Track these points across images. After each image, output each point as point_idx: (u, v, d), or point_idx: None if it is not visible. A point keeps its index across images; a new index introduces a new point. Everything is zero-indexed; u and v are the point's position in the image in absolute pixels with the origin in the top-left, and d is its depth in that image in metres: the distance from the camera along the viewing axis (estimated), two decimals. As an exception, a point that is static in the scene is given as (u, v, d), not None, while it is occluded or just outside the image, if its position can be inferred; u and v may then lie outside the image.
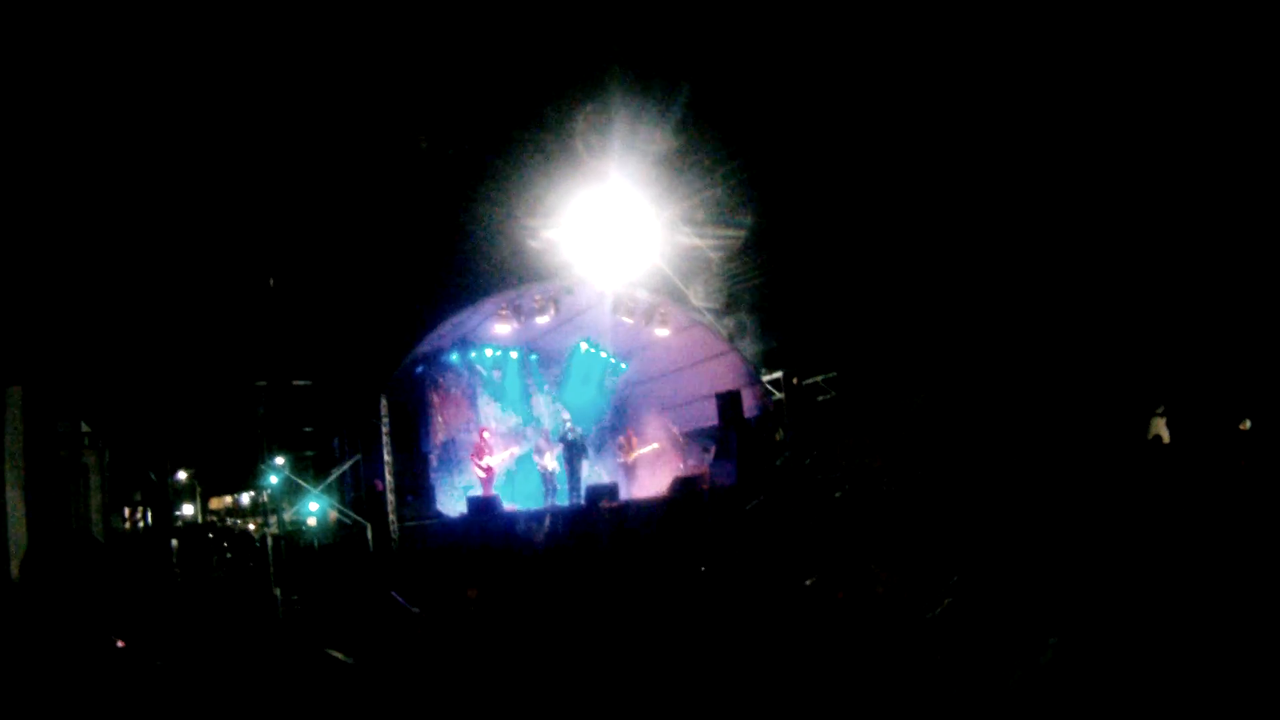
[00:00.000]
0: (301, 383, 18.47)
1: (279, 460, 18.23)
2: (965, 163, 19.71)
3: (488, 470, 21.20)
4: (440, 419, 23.60)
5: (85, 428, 17.16)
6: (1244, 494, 11.06)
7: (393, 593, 12.90)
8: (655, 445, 23.25)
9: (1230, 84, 16.32)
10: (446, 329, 21.69)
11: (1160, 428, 16.44)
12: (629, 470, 22.66)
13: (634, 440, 22.91)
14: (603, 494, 19.79)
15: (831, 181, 21.64)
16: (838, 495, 9.71)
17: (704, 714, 7.80)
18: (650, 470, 22.84)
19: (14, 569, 11.31)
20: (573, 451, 21.88)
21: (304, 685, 9.61)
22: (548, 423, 24.27)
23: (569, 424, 22.35)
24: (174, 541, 18.14)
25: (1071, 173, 18.14)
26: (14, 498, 11.53)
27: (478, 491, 20.71)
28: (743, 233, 23.03)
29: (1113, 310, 17.34)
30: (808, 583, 9.17)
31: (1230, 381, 15.83)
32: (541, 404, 25.32)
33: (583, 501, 20.12)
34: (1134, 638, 7.80)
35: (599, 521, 18.58)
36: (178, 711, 8.83)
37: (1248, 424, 15.30)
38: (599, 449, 24.54)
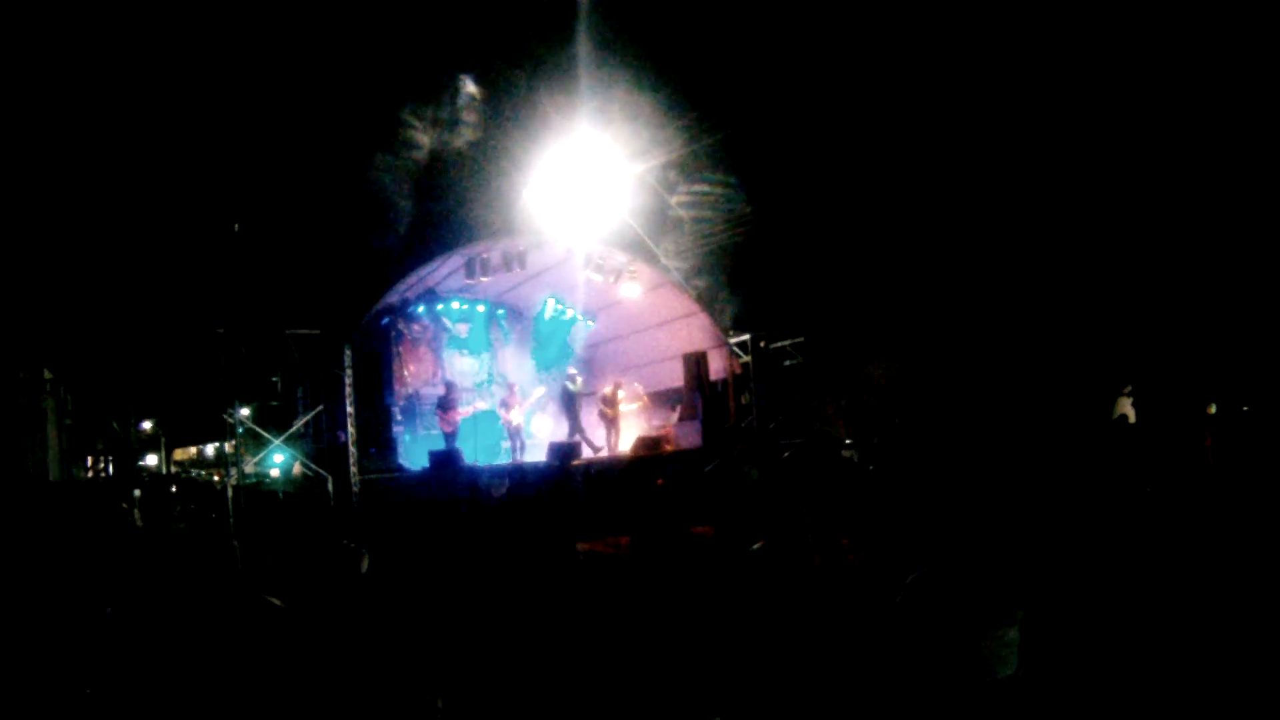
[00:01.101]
0: (266, 332, 18.33)
1: (243, 411, 18.10)
2: (940, 132, 19.69)
3: (452, 423, 21.14)
4: (405, 371, 23.53)
5: (47, 375, 16.97)
6: (1207, 475, 11.18)
7: (344, 540, 12.85)
8: (644, 398, 23.16)
9: (1189, 71, 16.38)
10: (413, 280, 21.53)
11: (1126, 407, 16.55)
12: (610, 425, 22.50)
13: (619, 393, 22.73)
14: (564, 451, 19.77)
15: (806, 144, 21.56)
16: (786, 456, 9.68)
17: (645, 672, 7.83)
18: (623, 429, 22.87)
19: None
20: (572, 403, 21.84)
21: (237, 629, 9.58)
22: (513, 378, 24.20)
23: (573, 375, 22.28)
24: (135, 491, 18.01)
25: (1047, 151, 18.17)
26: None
27: (440, 446, 20.66)
28: (715, 193, 22.96)
29: (1083, 289, 17.42)
30: (755, 547, 9.12)
31: (1197, 364, 15.96)
32: (507, 358, 25.26)
33: (547, 458, 20.11)
34: (1099, 612, 7.87)
35: (561, 479, 18.57)
36: (114, 653, 8.78)
37: (1213, 408, 15.44)
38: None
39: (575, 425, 21.82)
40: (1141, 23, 16.56)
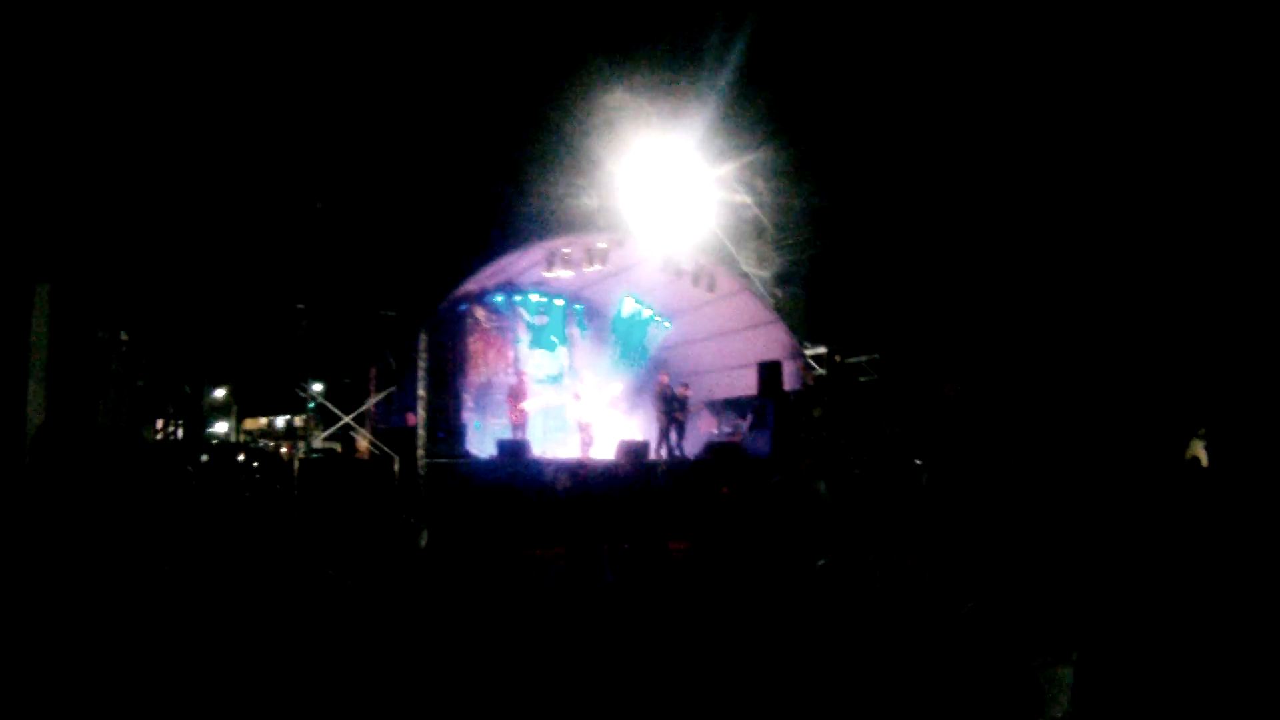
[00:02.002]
0: (343, 310, 18.47)
1: (315, 386, 18.25)
2: (1028, 160, 19.35)
3: (522, 413, 21.17)
4: (479, 359, 23.61)
5: (124, 336, 17.21)
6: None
7: (405, 516, 12.91)
8: (699, 404, 23.05)
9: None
10: (494, 270, 21.61)
11: (1199, 450, 16.12)
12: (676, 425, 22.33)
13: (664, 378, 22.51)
14: (632, 450, 19.69)
15: (893, 161, 21.30)
16: (856, 472, 9.54)
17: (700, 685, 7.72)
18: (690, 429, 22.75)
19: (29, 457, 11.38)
20: (671, 408, 21.67)
21: (291, 599, 9.61)
22: (587, 373, 24.17)
23: (669, 383, 22.08)
24: (203, 457, 18.26)
25: (1132, 188, 17.77)
26: (35, 390, 11.60)
27: (509, 435, 20.69)
28: (800, 203, 22.75)
29: (1159, 327, 17.01)
30: (819, 563, 8.98)
31: (1273, 406, 15.49)
32: (582, 354, 25.25)
33: (615, 456, 20.04)
34: (1159, 660, 7.63)
35: (627, 477, 18.49)
36: (166, 612, 8.84)
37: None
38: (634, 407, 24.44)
39: (667, 427, 21.59)
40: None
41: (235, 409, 24.00)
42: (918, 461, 15.89)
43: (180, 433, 22.21)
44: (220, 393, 24.43)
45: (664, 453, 20.95)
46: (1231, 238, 16.55)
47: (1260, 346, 15.75)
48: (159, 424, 21.91)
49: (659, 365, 24.25)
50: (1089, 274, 17.98)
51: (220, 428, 24.81)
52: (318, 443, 17.90)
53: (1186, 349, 16.69)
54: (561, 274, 21.42)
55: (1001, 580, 8.95)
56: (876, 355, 20.76)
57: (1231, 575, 9.00)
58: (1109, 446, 15.50)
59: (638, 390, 24.26)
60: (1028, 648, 7.89)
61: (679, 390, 21.81)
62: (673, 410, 21.47)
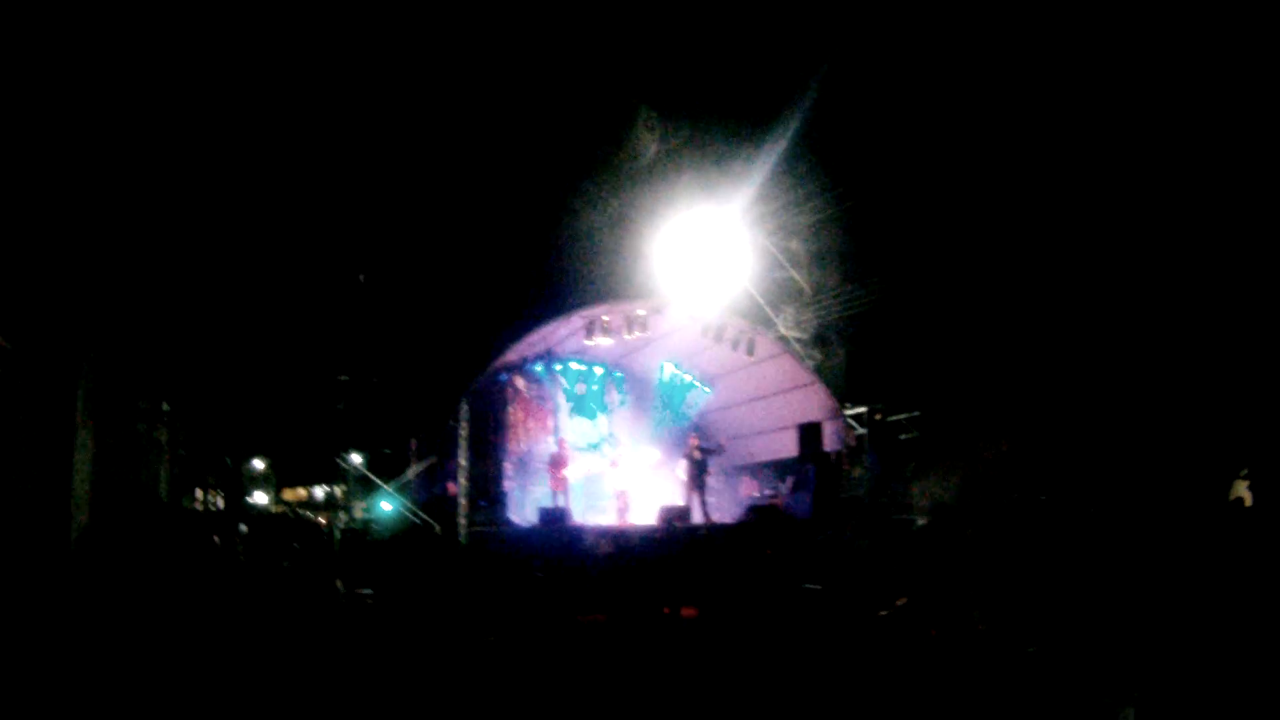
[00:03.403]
0: (384, 381, 18.60)
1: (355, 457, 18.32)
2: (1057, 222, 19.33)
3: (562, 481, 21.12)
4: (519, 428, 23.59)
5: (166, 406, 17.40)
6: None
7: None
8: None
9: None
10: (534, 339, 21.69)
11: (1243, 490, 15.86)
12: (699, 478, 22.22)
13: (695, 440, 22.46)
14: (674, 515, 19.60)
15: (927, 221, 21.32)
16: (918, 527, 9.51)
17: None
18: (728, 492, 22.61)
19: (77, 523, 11.49)
20: (699, 469, 21.61)
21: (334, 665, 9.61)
22: (627, 441, 24.10)
23: (697, 445, 22.03)
24: (243, 527, 18.35)
25: (1165, 246, 17.70)
26: (81, 459, 11.73)
27: (549, 503, 20.64)
28: (836, 265, 22.79)
29: (1201, 369, 16.82)
30: (882, 613, 8.92)
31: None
32: (623, 421, 25.20)
33: (657, 521, 19.93)
34: (1216, 703, 7.50)
35: (669, 541, 18.38)
36: (213, 683, 8.86)
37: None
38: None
39: (695, 491, 21.51)
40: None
41: (274, 479, 24.09)
42: (964, 517, 15.74)
43: (220, 502, 22.33)
44: (260, 463, 24.53)
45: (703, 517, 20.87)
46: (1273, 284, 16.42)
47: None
48: (199, 493, 22.05)
49: (695, 430, 24.17)
50: (1129, 320, 17.84)
51: (259, 498, 24.90)
52: (358, 513, 17.93)
53: (1228, 391, 16.48)
54: (601, 342, 21.47)
55: (1060, 625, 8.83)
56: (917, 413, 20.60)
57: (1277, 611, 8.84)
58: (1155, 491, 15.28)
59: (676, 455, 24.17)
60: (1090, 690, 7.77)
61: (690, 442, 21.80)
62: (701, 473, 21.42)
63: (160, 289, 15.23)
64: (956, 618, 8.94)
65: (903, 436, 20.78)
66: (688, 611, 13.28)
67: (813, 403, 22.27)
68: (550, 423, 24.18)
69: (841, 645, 9.26)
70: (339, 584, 14.92)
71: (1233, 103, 17.04)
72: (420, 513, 18.15)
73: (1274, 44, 16.07)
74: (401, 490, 18.62)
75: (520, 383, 23.64)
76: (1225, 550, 11.48)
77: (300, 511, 24.07)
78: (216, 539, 16.02)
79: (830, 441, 21.43)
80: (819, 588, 12.85)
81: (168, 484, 17.79)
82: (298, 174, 18.73)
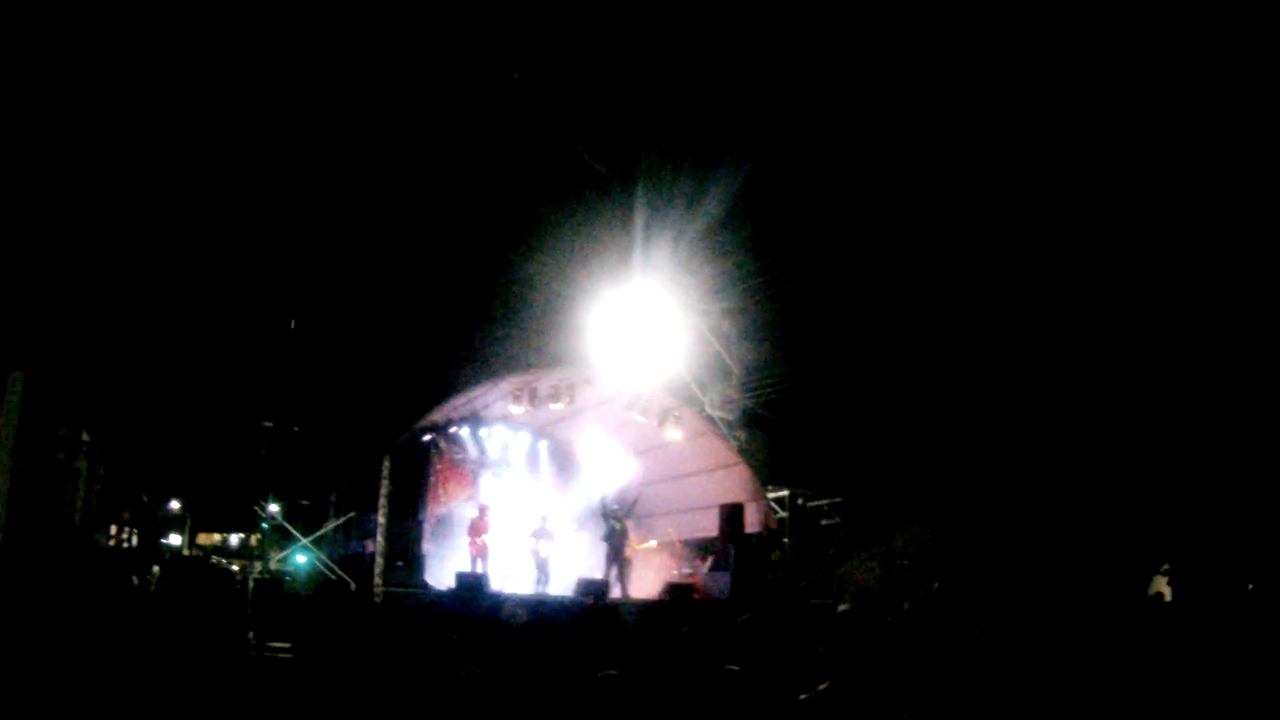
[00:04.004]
0: (307, 432, 18.37)
1: (273, 506, 18.02)
2: (971, 313, 19.78)
3: (482, 547, 20.92)
4: (441, 490, 23.39)
5: (86, 436, 17.01)
6: (1247, 655, 10.80)
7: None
8: (653, 543, 22.92)
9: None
10: (460, 401, 21.59)
11: (1162, 585, 16.19)
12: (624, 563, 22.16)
13: (631, 536, 22.47)
14: (592, 589, 19.46)
15: (856, 308, 21.68)
16: (840, 611, 9.53)
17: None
18: (643, 570, 22.48)
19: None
20: (613, 532, 21.48)
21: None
22: (548, 510, 23.98)
23: (611, 505, 21.95)
24: (155, 568, 17.91)
25: (1084, 335, 18.18)
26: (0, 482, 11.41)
27: (468, 568, 20.41)
28: (765, 348, 23.01)
29: (1119, 462, 17.21)
30: (803, 696, 8.90)
31: (1236, 541, 15.60)
32: (545, 490, 25.08)
33: (573, 594, 19.77)
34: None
35: (586, 615, 18.23)
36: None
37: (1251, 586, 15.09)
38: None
39: (610, 562, 21.43)
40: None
41: (190, 522, 23.57)
42: (884, 603, 15.84)
43: (134, 540, 21.80)
44: (176, 504, 24.00)
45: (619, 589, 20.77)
46: (1191, 369, 16.86)
47: (1221, 483, 15.94)
48: (112, 529, 21.50)
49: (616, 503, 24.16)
50: (1051, 413, 18.22)
51: (173, 539, 24.32)
52: (273, 563, 17.59)
53: (1148, 486, 16.85)
54: (527, 409, 21.45)
55: (983, 712, 8.88)
56: (839, 499, 20.78)
57: (1200, 710, 8.98)
58: (1073, 585, 15.52)
59: (595, 526, 24.08)
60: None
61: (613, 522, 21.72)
62: (615, 539, 21.30)
63: (90, 316, 14.97)
64: (880, 703, 8.94)
65: (824, 521, 20.95)
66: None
67: (735, 483, 22.35)
68: (472, 487, 24.01)
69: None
70: (250, 635, 14.58)
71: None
72: (336, 568, 17.85)
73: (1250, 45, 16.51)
74: (318, 544, 18.32)
75: (444, 444, 23.47)
76: (1145, 645, 11.67)
77: (213, 558, 23.55)
78: (135, 579, 15.62)
79: (751, 523, 21.49)
80: (738, 668, 12.81)
81: (83, 516, 17.32)
82: (234, 216, 18.59)
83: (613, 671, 9.81)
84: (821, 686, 9.25)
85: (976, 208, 19.57)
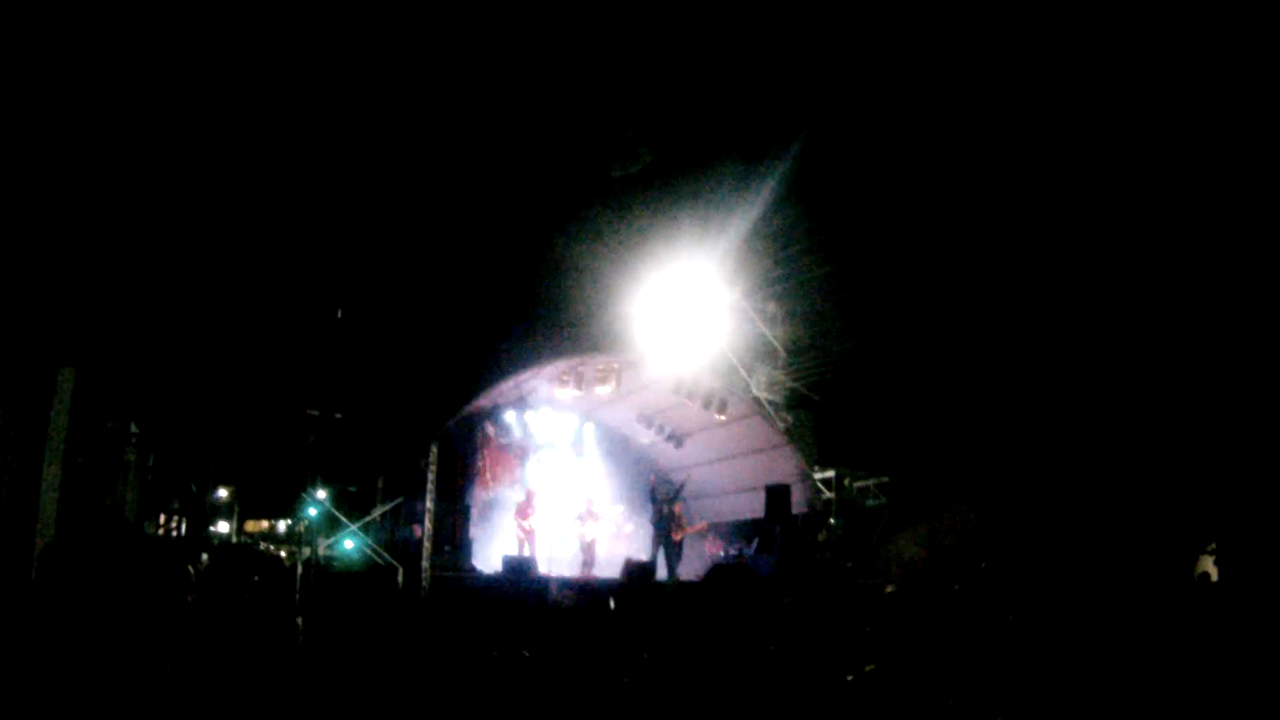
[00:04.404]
0: (354, 418, 18.50)
1: (321, 492, 18.17)
2: (1024, 288, 19.53)
3: (529, 531, 21.02)
4: (488, 474, 23.54)
5: (135, 429, 17.24)
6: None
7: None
8: (704, 523, 22.95)
9: None
10: (508, 386, 21.69)
11: (1208, 565, 15.99)
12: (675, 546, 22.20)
13: (681, 518, 22.50)
14: (640, 570, 19.48)
15: (904, 287, 21.48)
16: (888, 592, 9.50)
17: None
18: (689, 552, 22.51)
19: (40, 541, 11.32)
20: (662, 519, 21.59)
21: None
22: (594, 493, 24.04)
23: (659, 489, 22.07)
24: (204, 556, 18.11)
25: (1132, 309, 17.90)
26: (51, 474, 11.58)
27: (515, 551, 20.53)
28: (812, 329, 22.87)
29: (1167, 443, 16.97)
30: (849, 678, 8.86)
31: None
32: (591, 473, 25.16)
33: (621, 576, 19.81)
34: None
35: (632, 596, 18.26)
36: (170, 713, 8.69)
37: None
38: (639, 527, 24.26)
39: (658, 544, 21.50)
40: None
41: (238, 509, 23.80)
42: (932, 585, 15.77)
43: (183, 529, 22.08)
44: (224, 492, 24.24)
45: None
46: (1241, 360, 16.59)
47: (1268, 462, 15.69)
48: (161, 519, 21.80)
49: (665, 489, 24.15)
50: (1097, 392, 17.99)
51: (222, 527, 24.58)
52: (321, 549, 17.74)
53: (1195, 465, 16.62)
54: (574, 393, 21.51)
55: (1021, 697, 8.83)
56: (885, 479, 20.65)
57: (1243, 689, 8.87)
58: (1121, 564, 15.36)
59: (643, 509, 24.11)
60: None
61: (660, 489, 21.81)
62: (663, 522, 21.36)
63: (136, 310, 15.15)
64: (925, 685, 8.91)
65: (870, 502, 20.83)
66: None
67: (781, 465, 22.32)
68: (519, 471, 24.13)
69: (807, 710, 9.20)
70: (299, 621, 14.72)
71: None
72: (384, 553, 17.99)
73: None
74: (366, 529, 18.47)
75: (491, 429, 23.62)
76: (1192, 626, 11.54)
77: (262, 544, 23.80)
78: (191, 569, 15.80)
79: (798, 504, 21.46)
80: (784, 649, 12.80)
81: (134, 507, 17.58)
82: (280, 206, 18.71)
83: (646, 654, 9.85)
84: (868, 668, 9.24)
85: (1024, 188, 19.31)
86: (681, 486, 22.66)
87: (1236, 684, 9.26)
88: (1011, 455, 18.83)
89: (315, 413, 17.93)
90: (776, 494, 21.23)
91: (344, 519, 18.05)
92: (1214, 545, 16.00)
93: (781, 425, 22.33)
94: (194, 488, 21.90)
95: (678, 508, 22.53)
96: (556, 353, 21.17)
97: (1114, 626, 11.55)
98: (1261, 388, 16.12)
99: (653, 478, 22.73)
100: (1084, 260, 18.68)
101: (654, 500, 21.71)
